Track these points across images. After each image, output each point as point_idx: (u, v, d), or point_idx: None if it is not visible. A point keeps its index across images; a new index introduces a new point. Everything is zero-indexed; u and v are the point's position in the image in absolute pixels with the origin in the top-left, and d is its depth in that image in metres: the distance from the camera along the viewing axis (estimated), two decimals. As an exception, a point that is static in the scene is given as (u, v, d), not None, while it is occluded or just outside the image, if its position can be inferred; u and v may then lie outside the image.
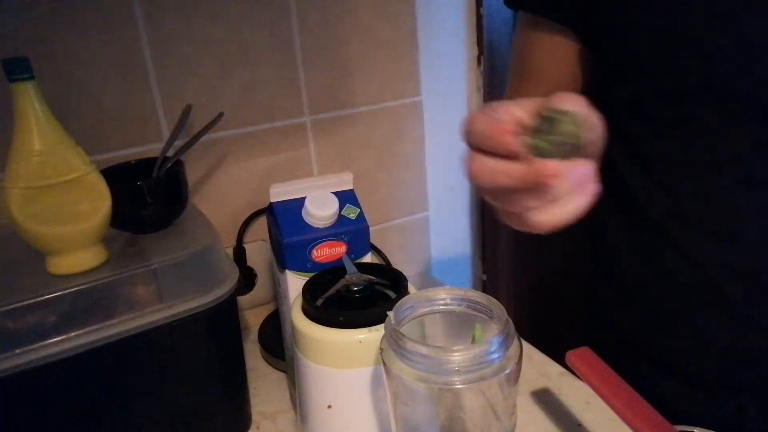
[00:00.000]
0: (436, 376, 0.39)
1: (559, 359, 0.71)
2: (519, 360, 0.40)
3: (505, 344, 0.40)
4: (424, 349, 0.39)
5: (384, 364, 0.41)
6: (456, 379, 0.39)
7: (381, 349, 0.42)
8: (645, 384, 0.65)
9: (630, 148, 0.60)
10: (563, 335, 0.81)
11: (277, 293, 0.64)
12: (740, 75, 0.48)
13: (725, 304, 0.58)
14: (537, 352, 0.73)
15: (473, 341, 0.44)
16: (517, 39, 0.66)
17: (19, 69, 0.46)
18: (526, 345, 0.75)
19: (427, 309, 0.45)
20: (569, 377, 0.68)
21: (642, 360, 0.66)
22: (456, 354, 0.39)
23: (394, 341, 0.41)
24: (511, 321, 0.41)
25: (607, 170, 0.60)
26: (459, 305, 0.44)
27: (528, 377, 0.69)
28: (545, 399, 0.65)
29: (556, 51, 0.62)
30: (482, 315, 0.43)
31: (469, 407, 0.42)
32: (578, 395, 0.65)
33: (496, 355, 0.39)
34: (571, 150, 0.39)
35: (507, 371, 0.39)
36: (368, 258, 0.60)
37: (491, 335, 0.40)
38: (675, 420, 0.54)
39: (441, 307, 0.45)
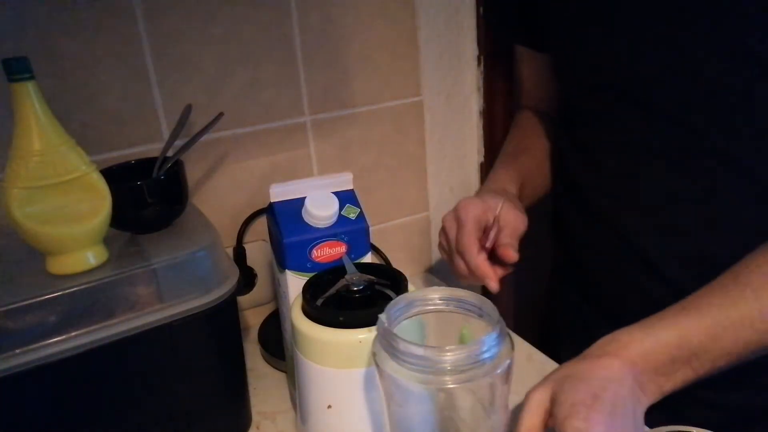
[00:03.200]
0: (429, 376, 0.39)
1: (559, 359, 0.71)
2: (511, 359, 0.41)
3: (497, 343, 0.40)
4: (416, 349, 0.39)
5: (377, 365, 0.41)
6: (449, 378, 0.39)
7: (374, 352, 0.42)
8: None
9: (578, 145, 0.70)
10: (563, 335, 0.81)
11: (277, 293, 0.64)
12: (643, 85, 0.60)
13: (664, 284, 0.62)
14: (537, 352, 0.73)
15: (461, 342, 0.44)
16: (516, 65, 0.86)
17: (19, 69, 0.46)
18: (526, 345, 0.75)
19: (419, 309, 0.45)
20: (569, 377, 0.68)
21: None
22: (449, 354, 0.39)
23: (386, 342, 0.41)
24: (502, 320, 0.42)
25: (561, 169, 0.75)
26: (451, 305, 0.45)
27: (528, 377, 0.69)
28: (545, 399, 0.65)
29: (535, 70, 0.81)
30: (474, 314, 0.44)
31: (462, 406, 0.42)
32: (578, 395, 0.65)
33: (488, 354, 0.39)
34: None
35: (499, 370, 0.40)
36: (368, 258, 0.60)
37: (483, 334, 0.40)
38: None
39: (433, 307, 0.45)
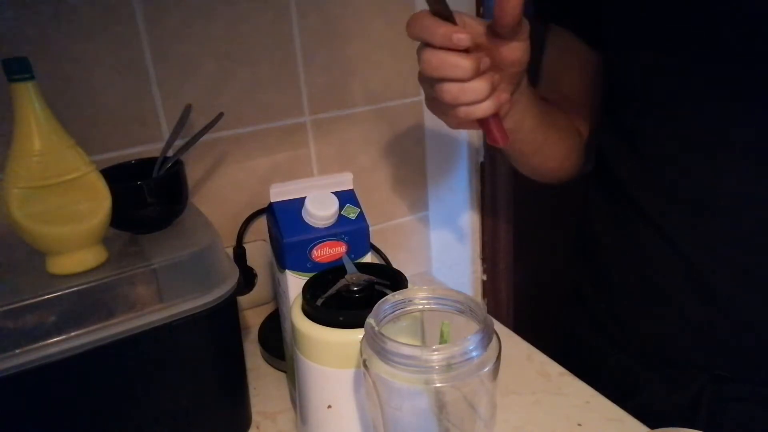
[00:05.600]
0: (417, 375, 0.39)
1: (559, 359, 0.71)
2: (498, 356, 0.41)
3: (484, 342, 0.40)
4: (404, 349, 0.39)
5: (365, 367, 0.42)
6: (436, 377, 0.39)
7: (364, 359, 0.42)
8: (623, 375, 0.67)
9: (616, 130, 0.65)
10: (563, 335, 0.81)
11: (277, 293, 0.64)
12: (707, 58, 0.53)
13: (695, 282, 0.59)
14: (537, 352, 0.73)
15: (441, 338, 0.44)
16: (545, 50, 0.75)
17: (19, 69, 0.46)
18: (526, 345, 0.75)
19: (406, 309, 0.45)
20: (569, 377, 0.68)
21: (616, 348, 0.69)
22: (436, 353, 0.39)
23: (375, 343, 0.41)
24: (490, 318, 0.42)
25: (596, 158, 0.70)
26: (438, 304, 0.45)
27: (528, 377, 0.69)
28: (545, 399, 0.65)
29: (568, 58, 0.71)
30: (461, 313, 0.44)
31: (451, 404, 0.43)
32: (578, 395, 0.65)
33: (475, 353, 0.40)
34: None
35: (487, 368, 0.40)
36: (368, 258, 0.60)
37: (467, 330, 0.41)
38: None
39: (420, 306, 0.45)
